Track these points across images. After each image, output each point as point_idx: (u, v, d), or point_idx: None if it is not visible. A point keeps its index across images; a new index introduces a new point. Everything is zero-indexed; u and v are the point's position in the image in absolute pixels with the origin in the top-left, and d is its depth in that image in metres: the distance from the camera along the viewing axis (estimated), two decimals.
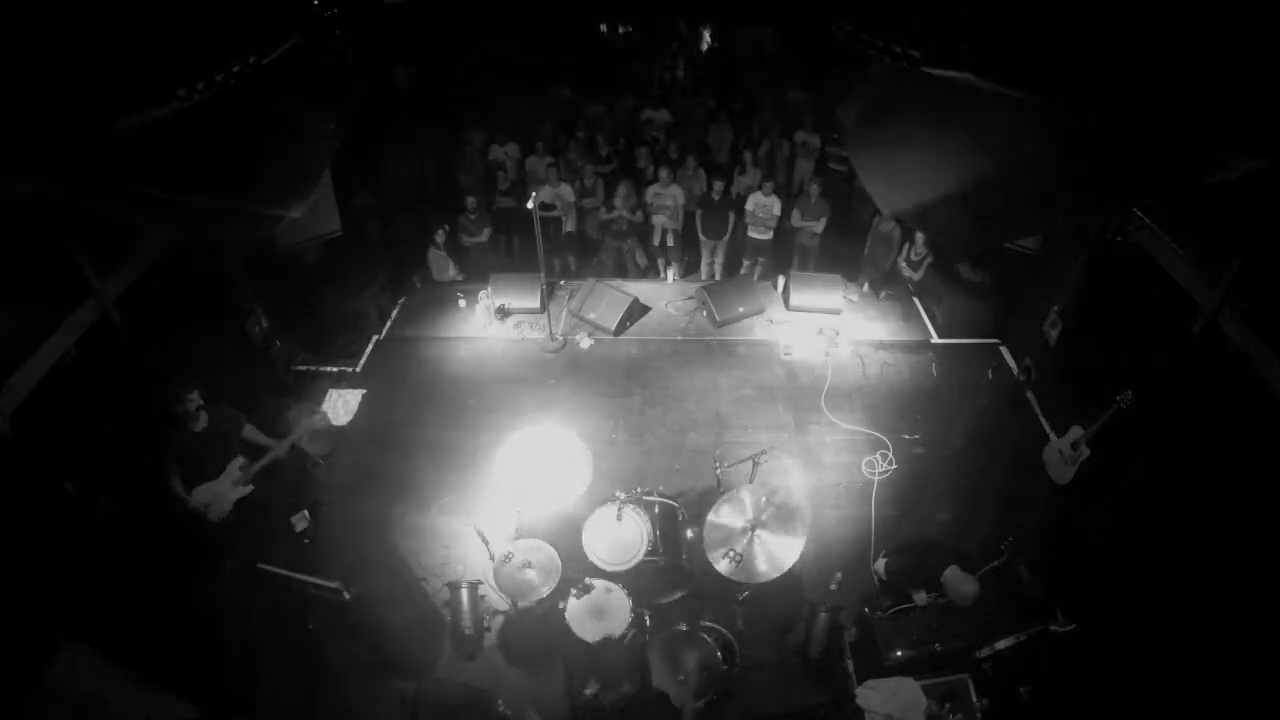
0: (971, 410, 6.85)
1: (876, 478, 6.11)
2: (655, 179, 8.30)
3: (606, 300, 7.82)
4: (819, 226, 8.20)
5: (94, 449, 4.88)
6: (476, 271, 8.50)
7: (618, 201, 8.13)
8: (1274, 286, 4.36)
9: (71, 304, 4.92)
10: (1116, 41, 1.65)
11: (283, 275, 7.47)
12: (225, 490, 4.94)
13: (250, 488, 5.04)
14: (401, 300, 8.35)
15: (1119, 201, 4.18)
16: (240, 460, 5.00)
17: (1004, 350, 7.60)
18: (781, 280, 8.23)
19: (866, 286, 8.33)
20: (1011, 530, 5.10)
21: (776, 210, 8.07)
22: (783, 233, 8.42)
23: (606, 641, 4.44)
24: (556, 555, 4.77)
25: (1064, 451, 5.76)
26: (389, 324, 8.07)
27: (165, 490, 4.81)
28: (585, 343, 7.64)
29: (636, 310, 7.96)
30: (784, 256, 8.73)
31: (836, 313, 7.86)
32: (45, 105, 1.84)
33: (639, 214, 8.34)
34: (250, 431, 5.15)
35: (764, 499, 4.69)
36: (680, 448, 6.49)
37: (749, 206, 8.12)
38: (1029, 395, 6.93)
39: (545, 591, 4.61)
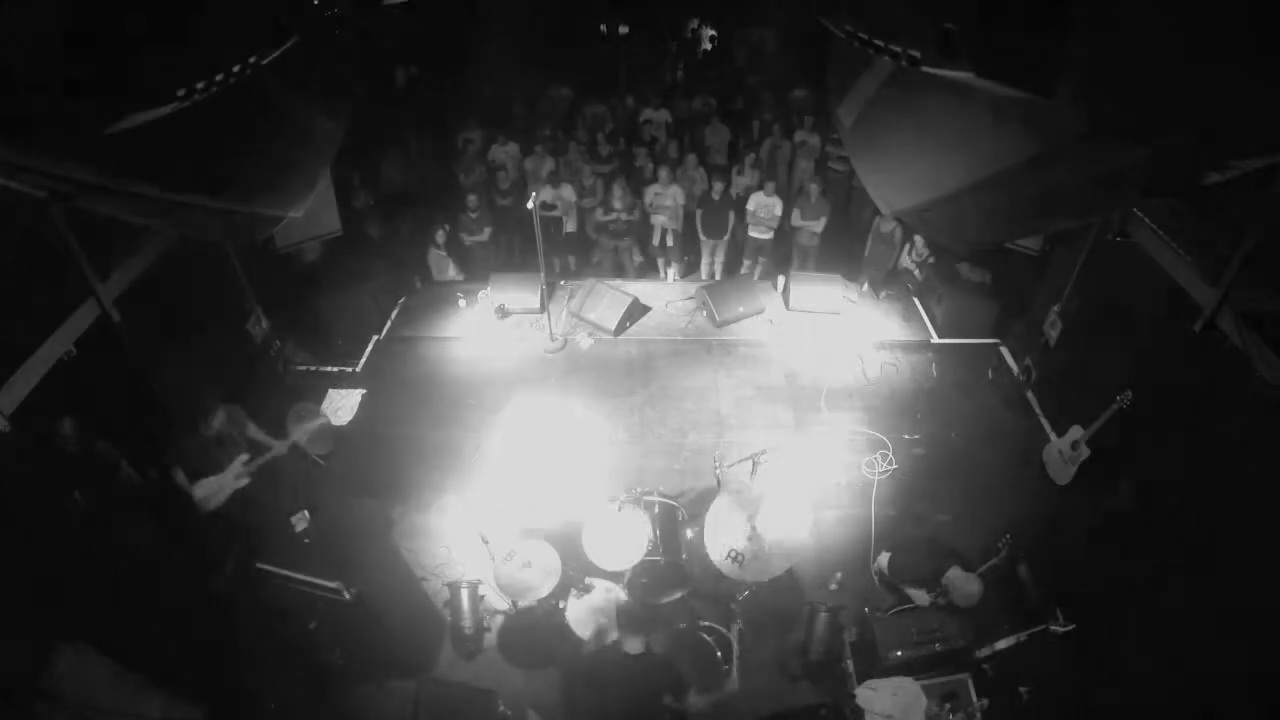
0: (971, 410, 6.85)
1: (876, 478, 6.11)
2: (655, 179, 8.30)
3: (606, 300, 7.82)
4: (819, 226, 8.20)
5: (96, 447, 4.89)
6: (476, 271, 8.51)
7: (615, 202, 8.13)
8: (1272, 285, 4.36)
9: (72, 304, 4.92)
10: (1117, 42, 1.65)
11: (283, 275, 7.48)
12: (226, 482, 5.01)
13: (248, 479, 5.09)
14: (401, 300, 8.35)
15: (1119, 201, 4.18)
16: (244, 457, 5.07)
17: (1004, 350, 7.60)
18: (781, 280, 8.23)
19: (866, 286, 8.33)
20: (1011, 530, 5.09)
21: (778, 210, 8.07)
22: (783, 233, 8.42)
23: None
24: (557, 555, 4.77)
25: (1064, 451, 5.76)
26: (389, 324, 8.07)
27: (168, 481, 4.85)
28: (585, 343, 7.64)
29: (636, 310, 7.96)
30: (784, 256, 8.73)
31: (836, 313, 7.87)
32: (46, 105, 1.84)
33: (636, 213, 8.34)
34: (254, 431, 5.23)
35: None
36: (680, 448, 6.49)
37: (750, 206, 8.12)
38: (1029, 395, 6.94)
39: (545, 591, 4.61)
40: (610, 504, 4.93)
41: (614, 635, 4.16)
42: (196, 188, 2.59)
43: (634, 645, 3.64)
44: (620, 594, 4.70)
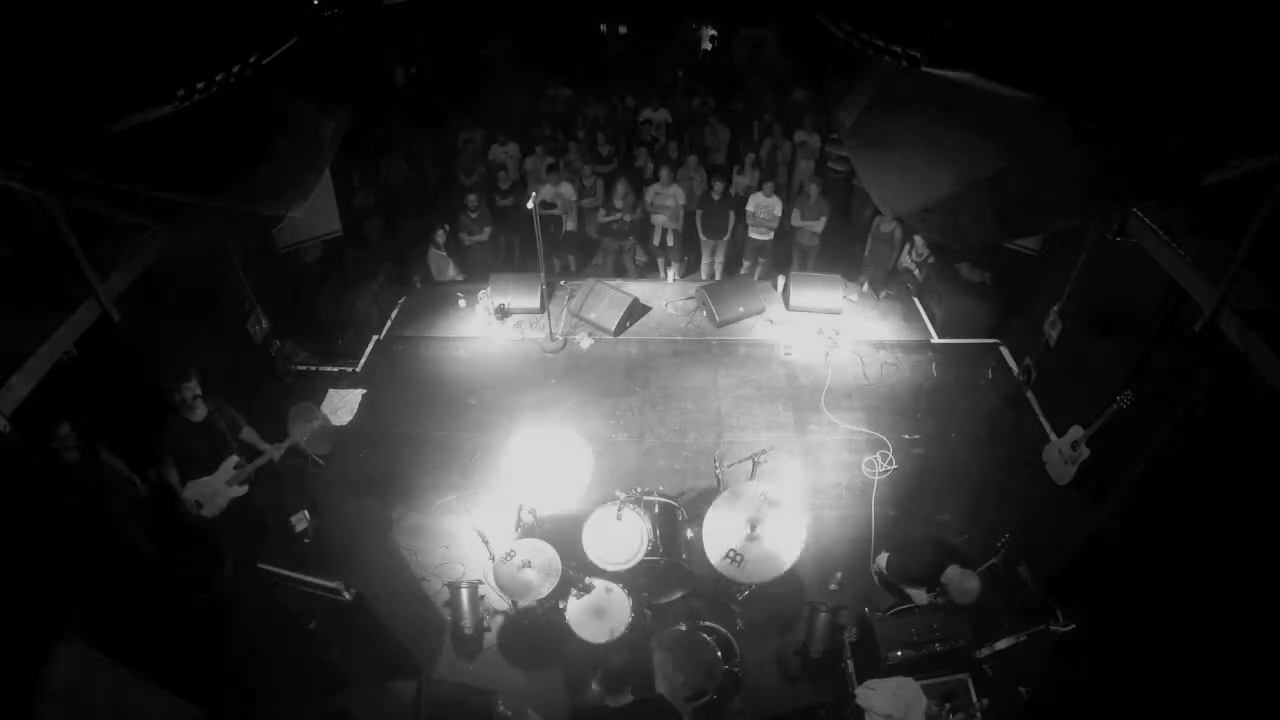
0: (971, 410, 6.85)
1: (876, 478, 6.11)
2: (655, 179, 8.30)
3: (606, 300, 7.82)
4: (819, 226, 8.20)
5: (96, 451, 4.89)
6: (476, 271, 8.51)
7: (617, 202, 8.13)
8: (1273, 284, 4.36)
9: (71, 304, 4.91)
10: (1118, 43, 1.65)
11: (283, 275, 7.48)
12: (220, 487, 4.94)
13: (246, 489, 5.04)
14: (401, 300, 8.35)
15: (1119, 201, 4.18)
16: (235, 459, 5.00)
17: (1004, 350, 7.60)
18: (781, 280, 8.23)
19: (866, 286, 8.33)
20: (1011, 530, 5.09)
21: (778, 210, 8.07)
22: (783, 233, 8.42)
23: (610, 644, 4.42)
24: (556, 555, 4.77)
25: (1064, 451, 5.76)
26: (389, 324, 8.07)
27: (160, 480, 4.82)
28: (585, 343, 7.64)
29: (636, 310, 7.96)
30: (784, 256, 8.73)
31: (836, 313, 7.87)
32: (45, 104, 1.84)
33: (638, 211, 8.33)
34: (248, 434, 5.16)
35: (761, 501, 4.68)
36: (680, 448, 6.50)
37: (750, 207, 8.12)
38: (1029, 395, 6.94)
39: (545, 591, 4.61)
40: (610, 504, 4.93)
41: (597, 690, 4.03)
42: (196, 188, 2.59)
43: (617, 701, 3.55)
44: (621, 593, 4.69)
